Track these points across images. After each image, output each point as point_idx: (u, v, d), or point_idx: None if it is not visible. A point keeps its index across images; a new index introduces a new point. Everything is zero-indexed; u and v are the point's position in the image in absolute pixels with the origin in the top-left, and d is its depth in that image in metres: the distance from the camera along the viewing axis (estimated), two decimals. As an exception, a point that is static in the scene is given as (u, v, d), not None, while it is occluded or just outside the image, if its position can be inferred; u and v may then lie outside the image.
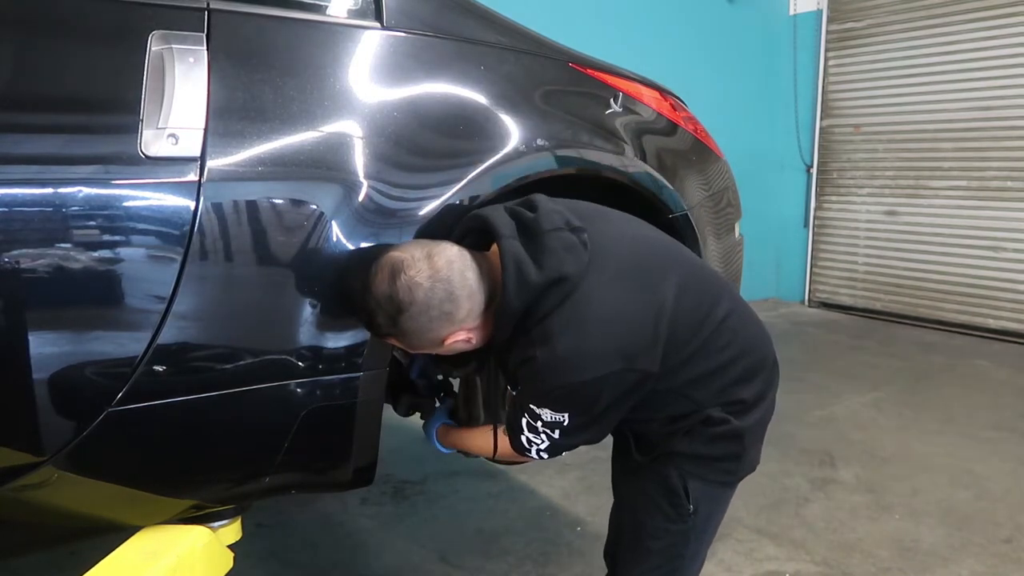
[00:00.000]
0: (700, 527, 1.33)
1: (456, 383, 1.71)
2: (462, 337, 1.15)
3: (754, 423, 1.29)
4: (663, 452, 1.29)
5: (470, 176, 1.29)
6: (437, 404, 1.64)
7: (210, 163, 1.06)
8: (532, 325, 1.12)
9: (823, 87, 5.77)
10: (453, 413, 1.63)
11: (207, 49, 1.07)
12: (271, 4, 1.18)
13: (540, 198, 1.21)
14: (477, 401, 1.63)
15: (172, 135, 1.03)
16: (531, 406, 1.17)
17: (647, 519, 1.34)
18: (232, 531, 1.36)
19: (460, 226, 1.23)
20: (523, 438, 1.21)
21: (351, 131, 1.19)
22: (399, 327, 1.10)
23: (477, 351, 1.25)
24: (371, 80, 1.25)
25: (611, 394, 1.14)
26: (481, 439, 1.45)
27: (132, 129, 1.01)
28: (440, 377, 1.67)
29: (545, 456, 1.23)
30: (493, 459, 1.48)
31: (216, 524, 1.32)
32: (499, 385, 1.63)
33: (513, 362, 1.18)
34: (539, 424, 1.17)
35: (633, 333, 1.13)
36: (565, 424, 1.16)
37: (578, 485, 2.67)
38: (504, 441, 1.32)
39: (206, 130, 1.06)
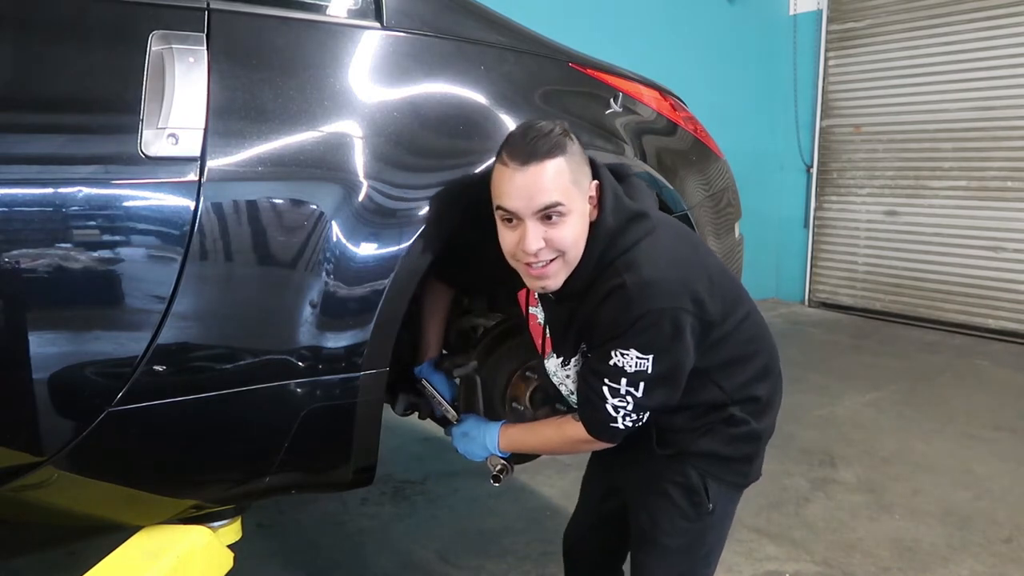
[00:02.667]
0: (715, 526, 1.37)
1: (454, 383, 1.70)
2: (594, 192, 1.21)
3: (766, 428, 1.37)
4: (682, 450, 1.33)
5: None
6: (457, 414, 1.60)
7: (210, 163, 1.06)
8: (616, 256, 1.19)
9: (823, 87, 5.77)
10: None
11: (207, 49, 1.07)
12: (271, 4, 1.18)
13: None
14: (477, 401, 1.62)
15: (172, 135, 1.03)
16: (616, 353, 1.17)
17: (663, 517, 1.36)
18: (232, 531, 1.36)
19: None
20: (608, 407, 1.22)
21: (351, 131, 1.19)
22: (572, 142, 1.18)
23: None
24: (371, 80, 1.25)
25: (686, 337, 1.18)
26: (552, 437, 1.37)
27: (132, 129, 1.01)
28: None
29: (630, 423, 1.23)
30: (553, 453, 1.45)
31: (216, 524, 1.32)
32: (499, 385, 1.63)
33: (595, 300, 1.20)
34: (623, 382, 1.19)
35: (697, 280, 1.21)
36: (648, 372, 1.18)
37: (577, 485, 2.66)
38: (574, 429, 1.30)
39: (206, 130, 1.06)
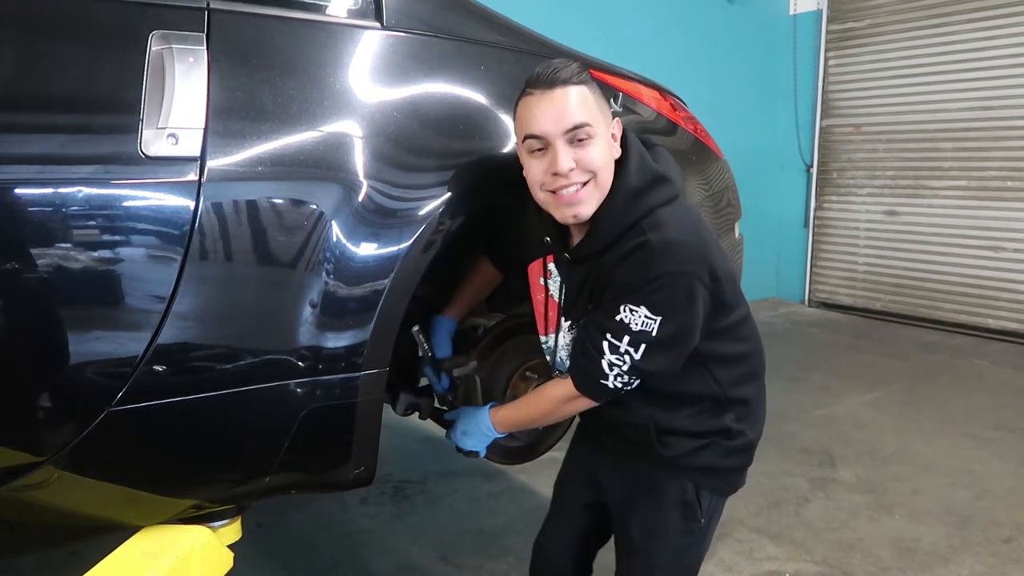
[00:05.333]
0: (703, 535, 1.40)
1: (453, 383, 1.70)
2: (617, 131, 1.25)
3: (756, 437, 1.39)
4: (682, 459, 1.33)
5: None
6: (445, 407, 1.62)
7: (210, 163, 1.06)
8: (640, 217, 1.20)
9: (823, 87, 5.77)
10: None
11: (207, 49, 1.07)
12: (271, 4, 1.18)
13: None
14: (477, 400, 1.62)
15: (172, 135, 1.03)
16: (625, 308, 1.18)
17: (658, 531, 1.37)
18: (232, 531, 1.36)
19: None
20: (604, 362, 1.21)
21: (351, 131, 1.19)
22: (589, 78, 1.21)
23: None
24: (371, 80, 1.25)
25: (697, 306, 1.19)
26: (537, 402, 1.36)
27: (132, 129, 1.01)
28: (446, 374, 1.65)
29: (620, 385, 1.23)
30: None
31: (216, 524, 1.31)
32: (499, 385, 1.63)
33: (615, 257, 1.20)
34: (624, 340, 1.19)
35: (716, 259, 1.22)
36: (653, 334, 1.18)
37: (578, 485, 2.66)
38: (558, 388, 1.30)
39: (206, 130, 1.06)
